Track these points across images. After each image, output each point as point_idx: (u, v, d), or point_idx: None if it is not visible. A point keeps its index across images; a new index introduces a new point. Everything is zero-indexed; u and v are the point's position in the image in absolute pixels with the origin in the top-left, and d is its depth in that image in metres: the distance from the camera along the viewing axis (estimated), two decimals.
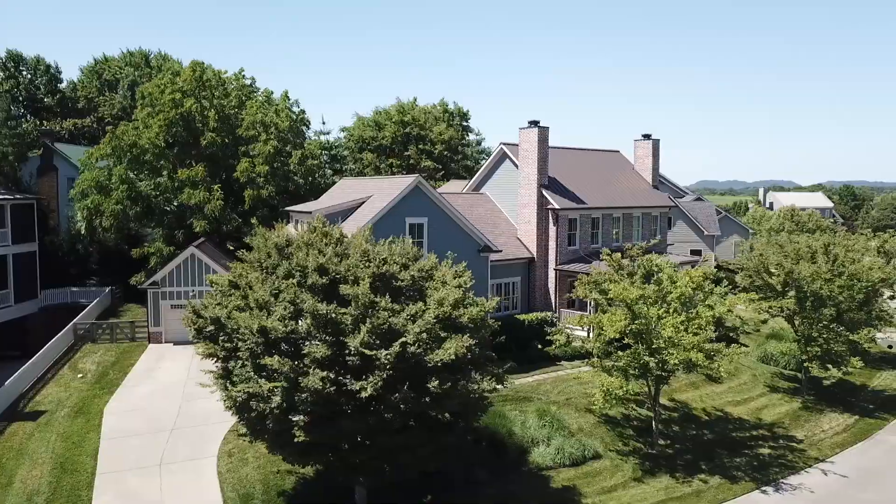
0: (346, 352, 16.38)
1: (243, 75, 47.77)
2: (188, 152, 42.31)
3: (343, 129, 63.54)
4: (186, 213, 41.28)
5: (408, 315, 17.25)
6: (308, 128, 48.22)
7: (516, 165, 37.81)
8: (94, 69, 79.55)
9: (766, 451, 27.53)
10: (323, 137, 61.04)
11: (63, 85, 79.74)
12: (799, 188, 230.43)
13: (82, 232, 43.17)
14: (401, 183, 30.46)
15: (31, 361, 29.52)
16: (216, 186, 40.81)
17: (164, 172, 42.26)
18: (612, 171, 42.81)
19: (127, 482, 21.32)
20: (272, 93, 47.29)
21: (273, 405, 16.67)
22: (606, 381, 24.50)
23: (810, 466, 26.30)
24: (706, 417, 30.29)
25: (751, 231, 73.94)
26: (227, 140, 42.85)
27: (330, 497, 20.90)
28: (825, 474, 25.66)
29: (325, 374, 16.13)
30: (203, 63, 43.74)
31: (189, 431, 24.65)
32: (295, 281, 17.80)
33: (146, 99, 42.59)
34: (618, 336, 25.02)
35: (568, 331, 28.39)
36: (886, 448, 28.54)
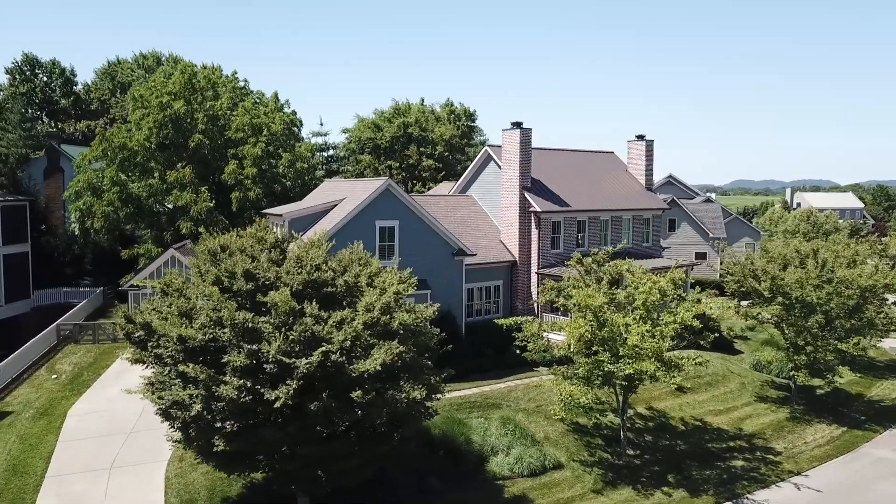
0: (264, 360, 16.09)
1: (237, 77, 47.97)
2: (179, 154, 42.56)
3: (344, 131, 63.54)
4: (176, 215, 41.54)
5: (334, 322, 16.92)
6: (300, 129, 48.16)
7: (501, 167, 37.26)
8: (108, 71, 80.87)
9: (739, 463, 26.64)
10: (320, 139, 61.12)
11: (78, 87, 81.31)
12: (836, 188, 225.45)
13: (76, 233, 43.75)
14: (371, 185, 30.16)
15: (5, 362, 29.85)
16: (203, 188, 40.97)
17: (156, 174, 42.61)
18: (603, 173, 42.00)
19: (73, 486, 21.33)
20: (264, 94, 47.40)
21: (192, 413, 16.46)
22: (566, 389, 23.90)
23: (783, 480, 25.36)
24: (683, 427, 29.45)
25: (762, 233, 72.18)
26: (218, 142, 43.03)
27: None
28: (797, 489, 24.72)
29: (241, 382, 15.87)
30: (195, 65, 43.97)
31: (146, 435, 24.64)
32: (218, 287, 17.57)
33: (137, 101, 42.94)
34: (580, 343, 24.40)
35: (542, 333, 27.67)
36: (868, 462, 27.44)
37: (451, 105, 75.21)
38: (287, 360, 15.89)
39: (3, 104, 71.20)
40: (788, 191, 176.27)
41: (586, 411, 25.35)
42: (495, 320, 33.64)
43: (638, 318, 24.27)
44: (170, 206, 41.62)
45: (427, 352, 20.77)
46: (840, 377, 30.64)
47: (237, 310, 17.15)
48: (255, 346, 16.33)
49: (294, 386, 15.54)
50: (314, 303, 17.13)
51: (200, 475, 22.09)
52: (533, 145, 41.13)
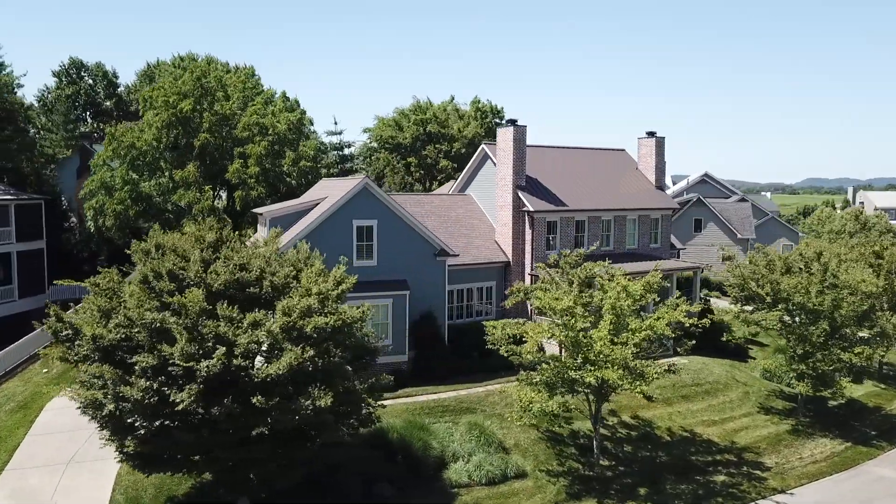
0: (170, 362, 15.90)
1: (253, 75, 48.42)
2: (187, 153, 43.24)
3: (365, 130, 63.57)
4: (182, 213, 42.22)
5: (248, 324, 16.61)
6: (309, 127, 48.30)
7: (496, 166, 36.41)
8: (147, 73, 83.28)
9: (721, 478, 25.19)
10: (335, 138, 61.20)
11: (120, 89, 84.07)
12: None
13: (91, 230, 45.05)
14: (349, 184, 29.83)
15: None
16: (207, 187, 41.51)
17: (166, 173, 43.43)
18: (610, 172, 40.60)
19: (28, 479, 21.71)
20: (274, 93, 47.71)
21: (104, 413, 16.42)
22: (525, 395, 23.01)
23: (763, 498, 23.84)
24: (668, 438, 28.06)
25: (802, 234, 68.74)
26: (225, 142, 43.53)
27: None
28: None
29: (147, 384, 15.72)
30: (204, 64, 44.59)
31: None
32: (146, 287, 17.50)
33: (147, 101, 43.85)
34: (538, 348, 23.54)
35: (517, 336, 26.71)
36: (866, 480, 25.57)
37: (479, 102, 74.44)
38: (186, 364, 15.62)
39: (50, 106, 74.06)
40: (850, 189, 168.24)
41: (552, 419, 24.28)
42: (482, 322, 32.94)
43: (608, 322, 23.19)
44: (178, 204, 42.31)
45: (366, 355, 20.33)
46: (843, 388, 28.62)
47: (159, 310, 17.06)
48: (165, 347, 16.17)
49: (196, 389, 15.27)
50: (226, 303, 16.86)
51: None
52: (546, 143, 40.34)
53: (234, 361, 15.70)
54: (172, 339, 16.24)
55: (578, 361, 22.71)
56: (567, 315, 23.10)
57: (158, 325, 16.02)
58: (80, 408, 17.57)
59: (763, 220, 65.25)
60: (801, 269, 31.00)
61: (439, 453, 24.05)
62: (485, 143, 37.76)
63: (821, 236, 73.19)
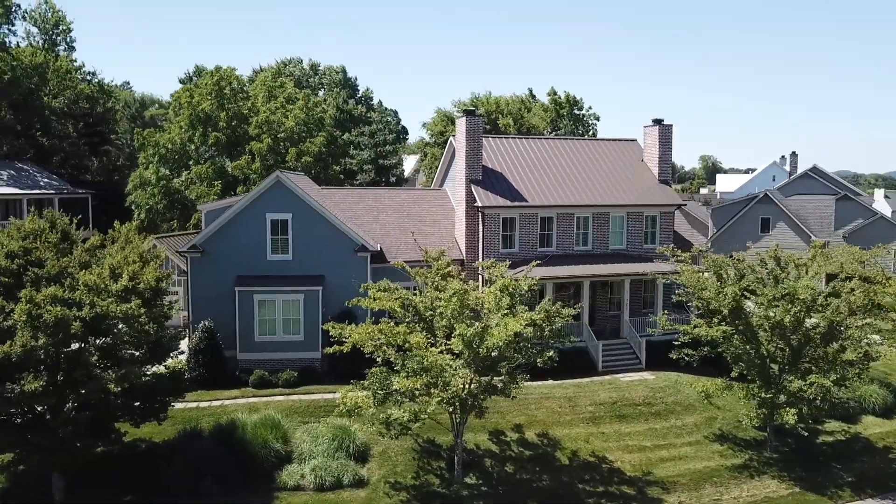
0: None
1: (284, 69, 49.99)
2: (206, 151, 45.86)
3: (424, 125, 63.38)
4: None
5: None
6: (337, 117, 48.90)
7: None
8: (251, 79, 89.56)
9: None
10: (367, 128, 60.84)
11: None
12: None
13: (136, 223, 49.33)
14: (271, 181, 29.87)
15: None
16: (217, 183, 43.69)
17: (192, 169, 46.39)
18: (606, 165, 36.93)
19: None
20: (298, 92, 49.04)
21: None
22: (350, 399, 21.64)
23: None
24: (567, 461, 25.03)
25: None
26: (241, 140, 45.57)
27: (33, 483, 21.40)
28: None
29: None
30: (227, 69, 47.02)
31: None
32: None
33: (174, 103, 47.08)
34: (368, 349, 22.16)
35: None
36: None
37: (555, 94, 71.39)
38: None
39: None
40: None
41: (401, 428, 22.34)
42: None
43: (440, 326, 21.25)
44: (190, 198, 45.05)
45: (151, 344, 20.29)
46: (791, 422, 23.66)
47: None
48: None
49: None
50: None
51: None
52: (550, 137, 37.82)
53: None
54: None
55: (402, 368, 21.02)
56: (395, 314, 21.82)
57: None
58: None
59: (871, 219, 55.75)
60: (767, 274, 26.22)
61: (283, 454, 23.41)
62: (452, 137, 36.05)
63: None
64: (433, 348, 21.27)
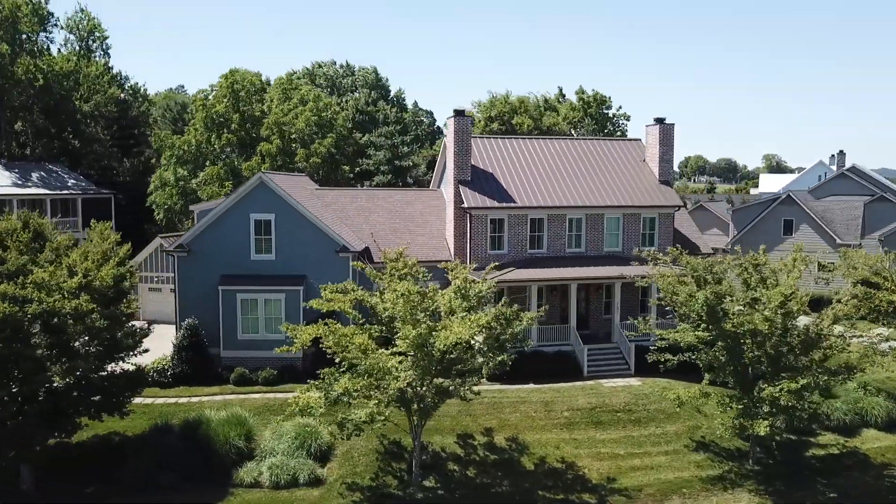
0: None
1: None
2: (219, 152, 47.00)
3: (444, 125, 63.22)
4: None
5: None
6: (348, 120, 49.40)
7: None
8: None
9: None
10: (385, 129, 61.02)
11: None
12: None
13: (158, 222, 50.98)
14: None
15: None
16: (228, 183, 44.70)
17: (206, 170, 47.62)
18: (604, 165, 36.13)
19: None
20: (310, 92, 49.70)
21: None
22: (303, 399, 21.77)
23: None
24: (532, 467, 24.61)
25: None
26: (254, 141, 46.55)
27: (2, 476, 22.21)
28: None
29: None
30: (242, 71, 48.04)
31: None
32: None
33: (194, 104, 48.40)
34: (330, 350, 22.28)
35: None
36: None
37: (583, 93, 70.39)
38: None
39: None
40: None
41: (355, 428, 22.32)
42: None
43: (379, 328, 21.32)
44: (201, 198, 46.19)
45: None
46: (761, 433, 22.65)
47: None
48: None
49: None
50: None
51: None
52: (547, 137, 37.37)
53: None
54: None
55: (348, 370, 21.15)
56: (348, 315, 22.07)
57: None
58: None
59: None
60: (752, 279, 25.21)
61: (246, 451, 23.78)
62: (445, 138, 35.91)
63: None
64: (383, 350, 21.28)
